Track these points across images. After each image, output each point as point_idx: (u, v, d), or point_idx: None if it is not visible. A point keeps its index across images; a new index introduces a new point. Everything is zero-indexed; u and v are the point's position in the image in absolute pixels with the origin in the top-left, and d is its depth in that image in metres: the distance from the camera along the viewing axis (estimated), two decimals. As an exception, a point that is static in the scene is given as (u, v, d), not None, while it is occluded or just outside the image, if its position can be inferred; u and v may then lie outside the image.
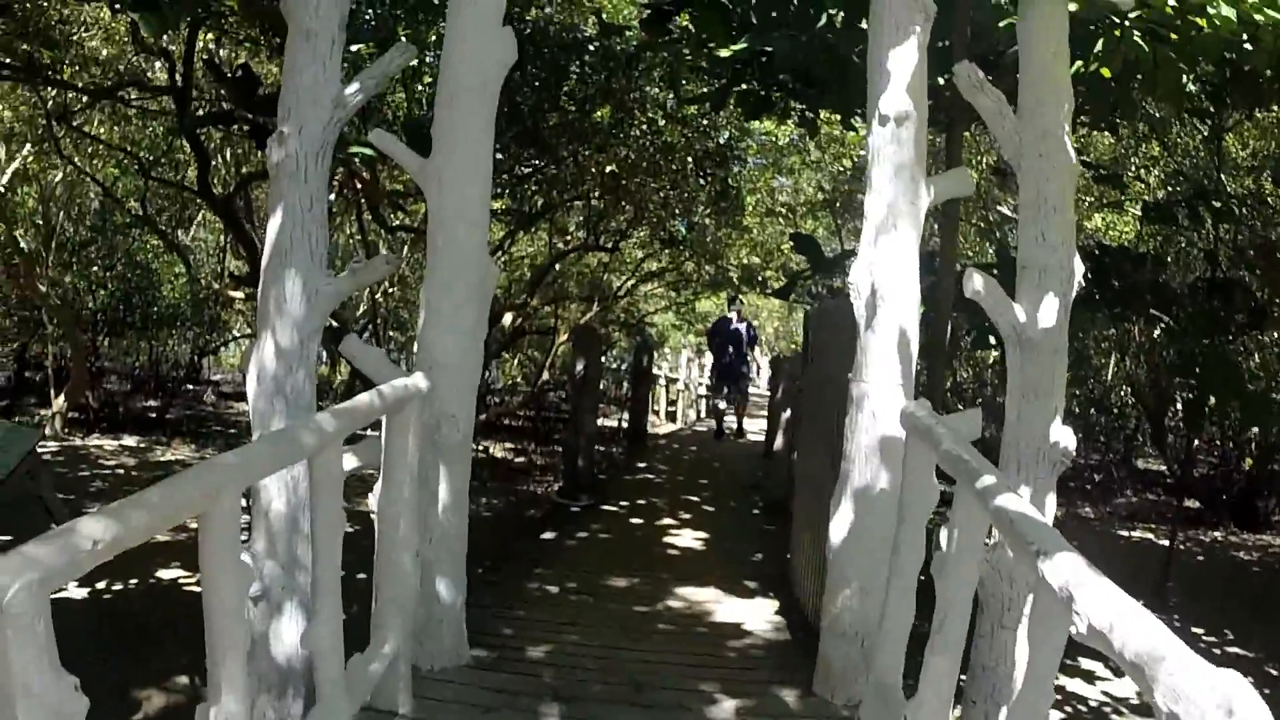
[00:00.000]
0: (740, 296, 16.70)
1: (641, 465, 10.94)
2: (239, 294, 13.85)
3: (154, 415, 16.26)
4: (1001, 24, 5.44)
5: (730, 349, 14.38)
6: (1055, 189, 3.83)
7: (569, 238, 16.29)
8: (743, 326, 14.76)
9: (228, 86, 7.46)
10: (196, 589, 2.33)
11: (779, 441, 8.69)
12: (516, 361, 25.42)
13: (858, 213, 15.14)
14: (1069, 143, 3.89)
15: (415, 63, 6.46)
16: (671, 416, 21.03)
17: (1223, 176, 10.86)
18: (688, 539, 7.34)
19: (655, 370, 28.93)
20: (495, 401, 23.53)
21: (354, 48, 6.27)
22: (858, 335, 3.85)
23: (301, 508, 3.58)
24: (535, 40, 8.90)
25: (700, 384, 21.23)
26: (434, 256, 3.90)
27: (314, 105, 3.94)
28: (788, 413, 8.38)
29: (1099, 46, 4.61)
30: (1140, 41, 4.54)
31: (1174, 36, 4.60)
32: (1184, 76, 5.04)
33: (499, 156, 10.08)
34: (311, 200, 3.94)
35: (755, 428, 15.69)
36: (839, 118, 9.92)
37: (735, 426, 15.56)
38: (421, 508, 3.79)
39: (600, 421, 24.02)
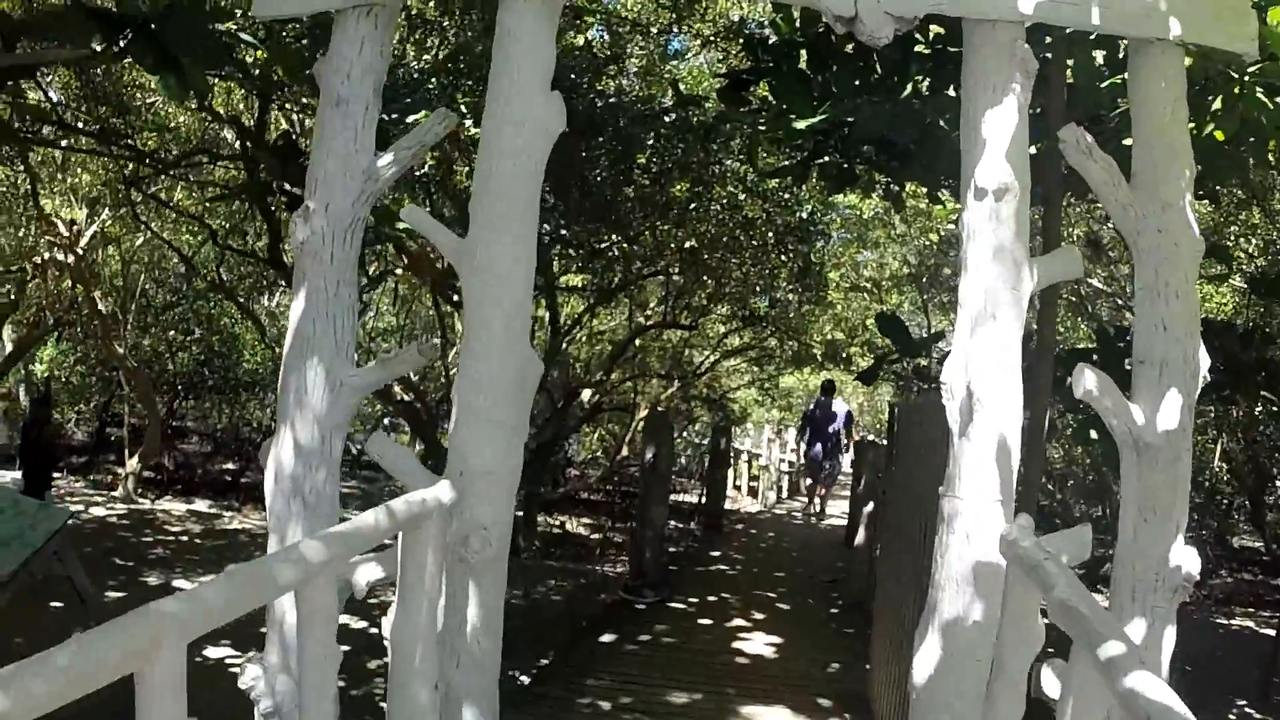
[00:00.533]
0: (835, 383, 16.69)
1: (715, 554, 10.39)
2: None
3: (229, 479, 16.18)
4: (1103, 84, 4.93)
5: (827, 429, 14.37)
6: (1177, 270, 3.31)
7: (649, 313, 15.93)
8: (840, 409, 14.84)
9: (266, 156, 7.21)
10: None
11: (860, 536, 8.10)
12: (597, 436, 25.10)
13: (944, 287, 14.58)
14: (1192, 217, 3.38)
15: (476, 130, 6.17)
16: (754, 493, 20.41)
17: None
18: (758, 644, 6.75)
19: (738, 446, 28.59)
20: (574, 475, 23.18)
21: (411, 118, 5.95)
22: (949, 441, 3.33)
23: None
24: (609, 112, 8.59)
25: (782, 461, 20.57)
26: (468, 348, 3.48)
27: (343, 178, 3.61)
28: (870, 506, 7.82)
29: (1217, 105, 4.08)
30: (1263, 98, 4.00)
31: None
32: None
33: (568, 230, 9.76)
34: (338, 283, 3.59)
35: (837, 510, 15.48)
36: (925, 190, 9.48)
37: (819, 508, 15.41)
38: (448, 632, 3.34)
39: (679, 497, 23.66)
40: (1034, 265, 3.30)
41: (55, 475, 13.00)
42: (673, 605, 7.66)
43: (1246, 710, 7.94)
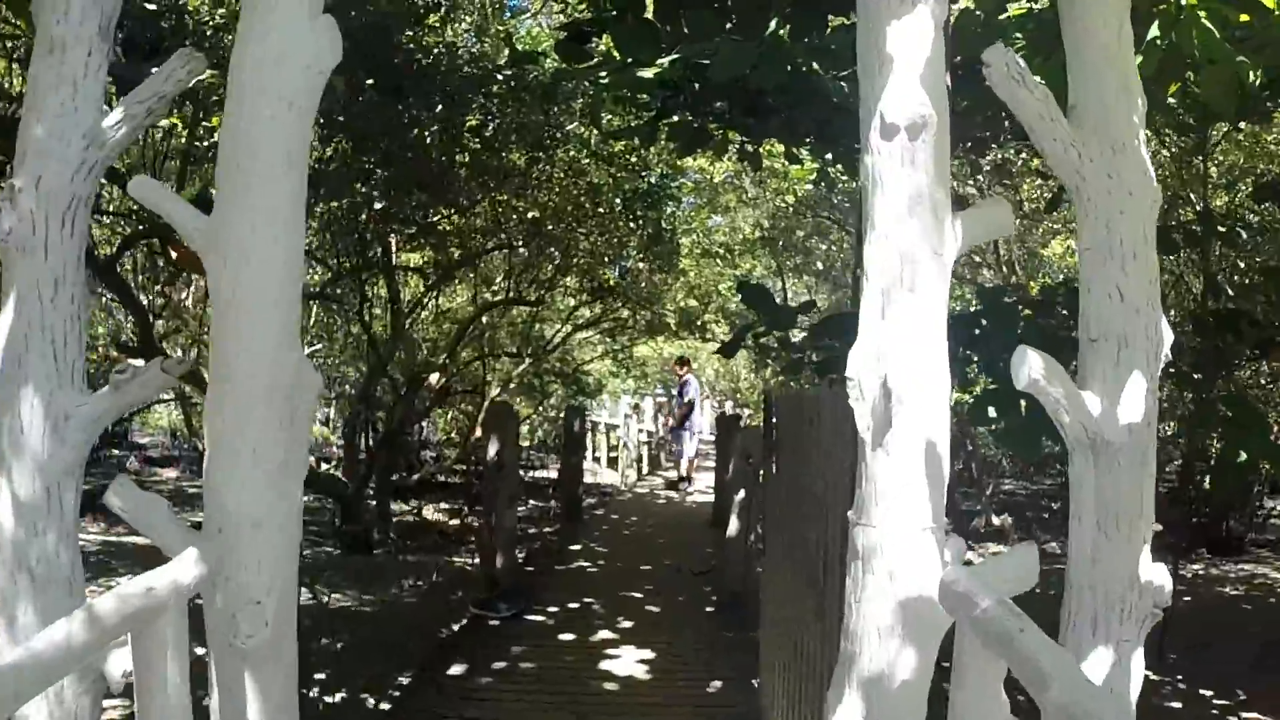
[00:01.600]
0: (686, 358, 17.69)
1: (576, 547, 9.64)
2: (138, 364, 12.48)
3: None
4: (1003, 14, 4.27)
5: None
6: (1134, 225, 2.64)
7: (495, 289, 15.00)
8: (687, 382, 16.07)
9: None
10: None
11: (733, 525, 7.39)
12: (450, 417, 24.12)
13: (797, 250, 14.02)
14: (1148, 160, 2.71)
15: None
16: (613, 464, 20.25)
17: (1208, 197, 9.90)
18: (629, 662, 5.97)
19: (594, 418, 27.90)
20: (431, 458, 22.18)
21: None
22: (859, 452, 2.60)
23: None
24: (434, 69, 7.64)
25: (641, 431, 20.02)
26: (216, 358, 2.57)
27: (59, 144, 2.67)
28: (741, 494, 7.14)
29: (1153, 31, 3.43)
30: (1209, 25, 3.36)
31: (1245, 18, 3.45)
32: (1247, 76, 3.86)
33: (395, 203, 8.79)
34: (56, 284, 2.66)
35: (701, 482, 15.85)
36: (783, 149, 8.86)
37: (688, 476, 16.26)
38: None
39: (539, 473, 22.83)
40: (959, 221, 2.59)
41: None
42: (531, 618, 6.86)
43: (1145, 673, 7.60)
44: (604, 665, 5.92)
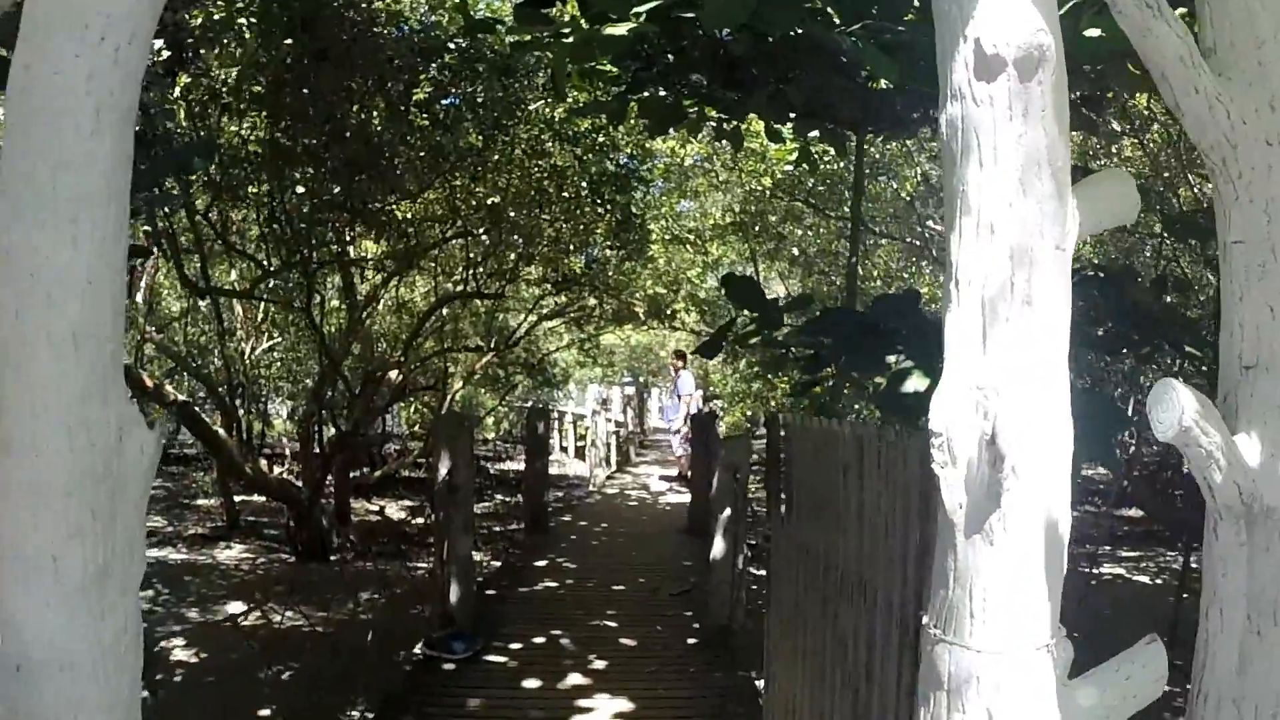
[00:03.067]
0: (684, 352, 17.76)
1: (541, 564, 8.78)
2: None
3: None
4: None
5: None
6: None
7: (457, 279, 14.13)
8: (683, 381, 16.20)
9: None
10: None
11: (718, 547, 6.54)
12: (413, 409, 23.25)
13: (770, 235, 13.19)
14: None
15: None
16: (580, 454, 19.76)
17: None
18: (604, 716, 5.21)
19: (561, 408, 27.03)
20: (395, 451, 21.29)
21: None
22: (937, 534, 1.83)
23: None
24: (374, 35, 6.78)
25: (609, 421, 19.32)
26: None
27: None
28: (727, 513, 6.33)
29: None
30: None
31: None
32: None
33: (331, 189, 7.91)
34: None
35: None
36: (761, 128, 8.09)
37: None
38: None
39: (505, 466, 21.96)
40: (1079, 195, 1.81)
41: None
42: (491, 658, 6.04)
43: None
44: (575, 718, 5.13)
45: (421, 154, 8.17)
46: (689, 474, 15.47)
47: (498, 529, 14.90)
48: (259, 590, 10.27)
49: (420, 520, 13.70)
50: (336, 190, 7.88)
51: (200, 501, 16.07)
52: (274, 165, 7.32)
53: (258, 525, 14.03)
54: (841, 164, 13.01)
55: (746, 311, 5.56)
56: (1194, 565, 11.96)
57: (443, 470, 5.75)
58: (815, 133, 7.91)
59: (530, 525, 10.44)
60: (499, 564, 9.53)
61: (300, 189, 7.70)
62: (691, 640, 6.41)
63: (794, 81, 5.85)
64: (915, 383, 4.41)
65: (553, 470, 22.16)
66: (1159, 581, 10.73)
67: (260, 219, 8.14)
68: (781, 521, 4.10)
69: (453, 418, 5.97)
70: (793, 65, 5.55)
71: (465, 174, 9.20)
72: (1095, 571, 10.42)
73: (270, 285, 13.08)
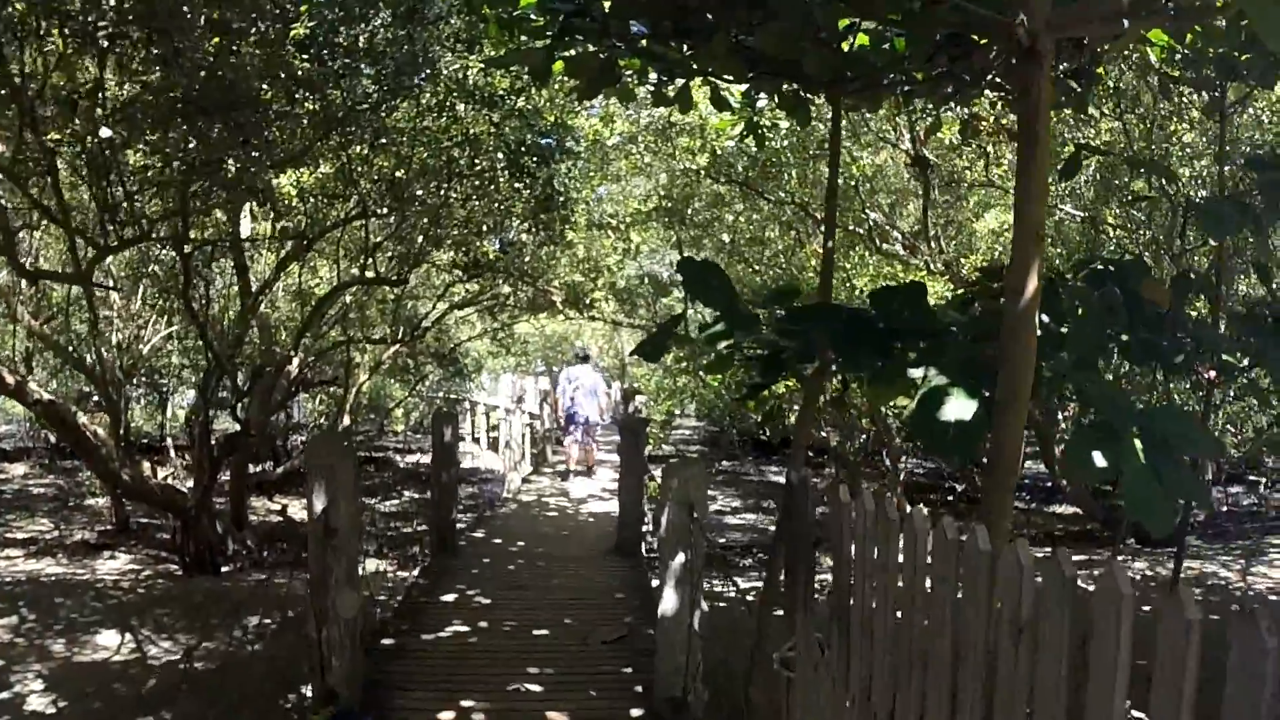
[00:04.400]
0: (590, 355, 17.81)
1: (448, 599, 7.35)
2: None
3: None
4: None
5: (577, 395, 15.59)
6: None
7: (361, 265, 12.73)
8: (596, 378, 16.19)
9: None
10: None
11: (669, 600, 5.06)
12: (318, 400, 21.81)
13: (693, 224, 11.95)
14: None
15: None
16: (494, 445, 19.31)
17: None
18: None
19: (473, 399, 25.66)
20: (301, 444, 19.84)
21: None
22: None
23: None
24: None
25: (524, 414, 18.17)
26: None
27: None
28: (681, 559, 4.98)
29: None
30: None
31: None
32: None
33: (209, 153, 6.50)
34: None
35: (598, 485, 14.79)
36: (704, 95, 6.92)
37: (586, 467, 16.38)
38: None
39: (415, 457, 20.57)
40: None
41: None
42: (383, 733, 4.80)
43: None
44: None
45: (305, 108, 6.81)
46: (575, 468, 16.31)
47: (407, 530, 13.69)
48: (135, 614, 8.99)
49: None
50: (190, 147, 6.45)
51: (90, 502, 14.73)
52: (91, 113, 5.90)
53: (150, 529, 12.77)
54: (784, 142, 11.91)
55: (703, 306, 4.37)
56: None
57: (317, 506, 4.44)
58: (765, 100, 6.78)
59: (437, 546, 9.05)
60: (406, 580, 8.25)
61: (139, 146, 6.27)
62: (636, 713, 5.17)
63: (761, 30, 4.70)
64: (957, 408, 3.28)
65: (465, 464, 20.97)
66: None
67: (92, 186, 6.64)
68: (821, 654, 2.91)
69: (328, 440, 4.60)
70: (756, 10, 4.42)
71: (362, 141, 7.86)
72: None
73: (150, 269, 11.66)
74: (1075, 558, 9.95)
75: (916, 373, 3.76)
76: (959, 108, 8.58)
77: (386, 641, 6.22)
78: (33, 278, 8.16)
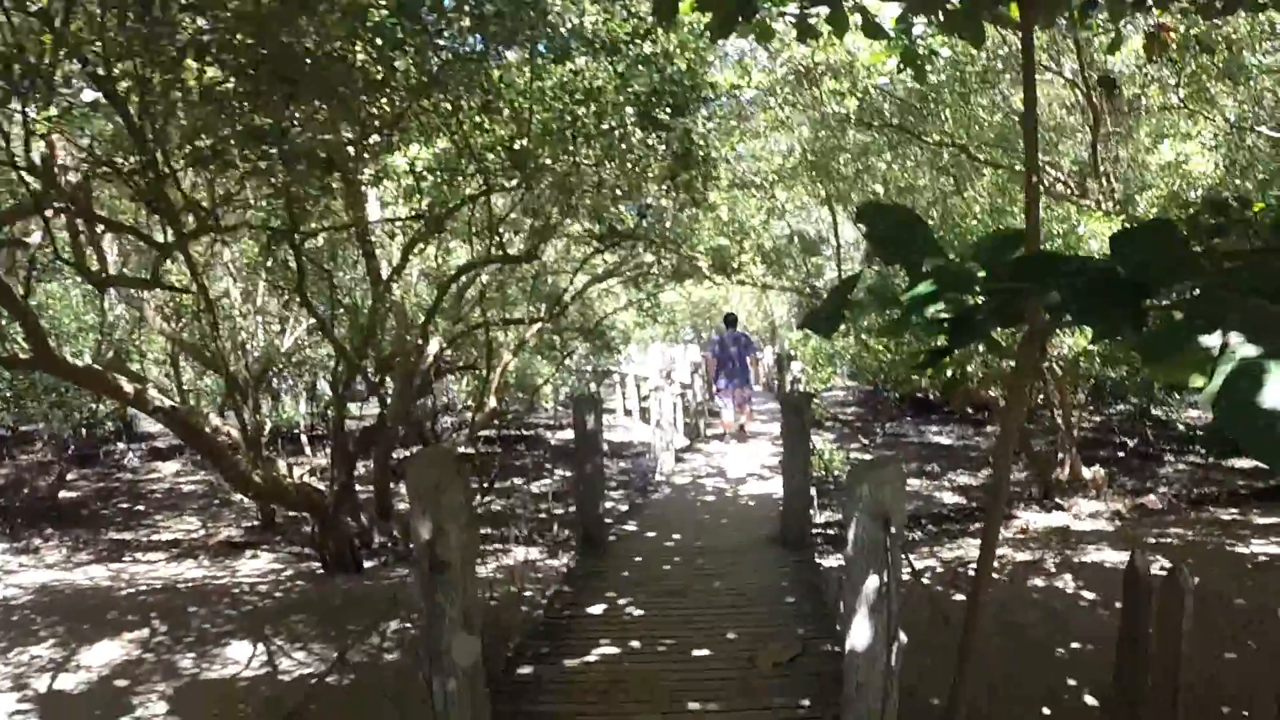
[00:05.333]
0: (736, 318, 17.91)
1: (596, 612, 6.43)
2: None
3: None
4: None
5: (733, 357, 16.02)
6: None
7: (488, 242, 12.02)
8: (745, 341, 16.52)
9: None
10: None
11: (859, 634, 3.82)
12: (465, 382, 21.50)
13: (840, 177, 10.75)
14: None
15: None
16: (645, 416, 19.17)
17: None
18: None
19: (622, 370, 25.01)
20: (453, 424, 19.59)
21: None
22: None
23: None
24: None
25: (675, 384, 17.57)
26: None
27: None
28: (873, 583, 3.91)
29: None
30: None
31: None
32: None
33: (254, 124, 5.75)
34: None
35: (755, 463, 13.96)
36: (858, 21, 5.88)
37: (740, 430, 16.82)
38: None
39: (564, 435, 20.01)
40: None
41: None
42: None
43: None
44: None
45: (399, 70, 6.01)
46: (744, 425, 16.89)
47: (558, 510, 13.10)
48: (270, 622, 8.56)
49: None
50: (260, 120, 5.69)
51: (239, 498, 14.65)
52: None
53: (297, 523, 12.48)
54: (941, 75, 10.71)
55: (896, 262, 3.35)
56: None
57: (422, 536, 3.65)
58: (922, 25, 5.69)
59: (584, 543, 8.29)
60: (556, 569, 7.50)
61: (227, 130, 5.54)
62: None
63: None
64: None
65: (617, 437, 20.37)
66: None
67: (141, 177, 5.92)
68: None
69: (433, 456, 3.77)
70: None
71: (470, 105, 7.05)
72: None
73: (269, 263, 11.21)
74: (1263, 520, 8.63)
75: (1211, 340, 2.71)
76: (1144, 17, 7.35)
77: (523, 671, 5.43)
78: (102, 285, 7.66)
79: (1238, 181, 10.20)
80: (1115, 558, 9.34)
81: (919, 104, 11.81)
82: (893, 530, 3.76)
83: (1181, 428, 17.75)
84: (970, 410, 21.71)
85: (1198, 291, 2.97)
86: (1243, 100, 10.00)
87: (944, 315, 3.96)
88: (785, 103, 15.00)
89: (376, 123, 6.10)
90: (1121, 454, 16.12)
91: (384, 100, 6.03)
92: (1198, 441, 15.10)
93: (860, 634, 3.93)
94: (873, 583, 3.83)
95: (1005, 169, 12.79)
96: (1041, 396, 14.74)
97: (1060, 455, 14.13)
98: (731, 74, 12.40)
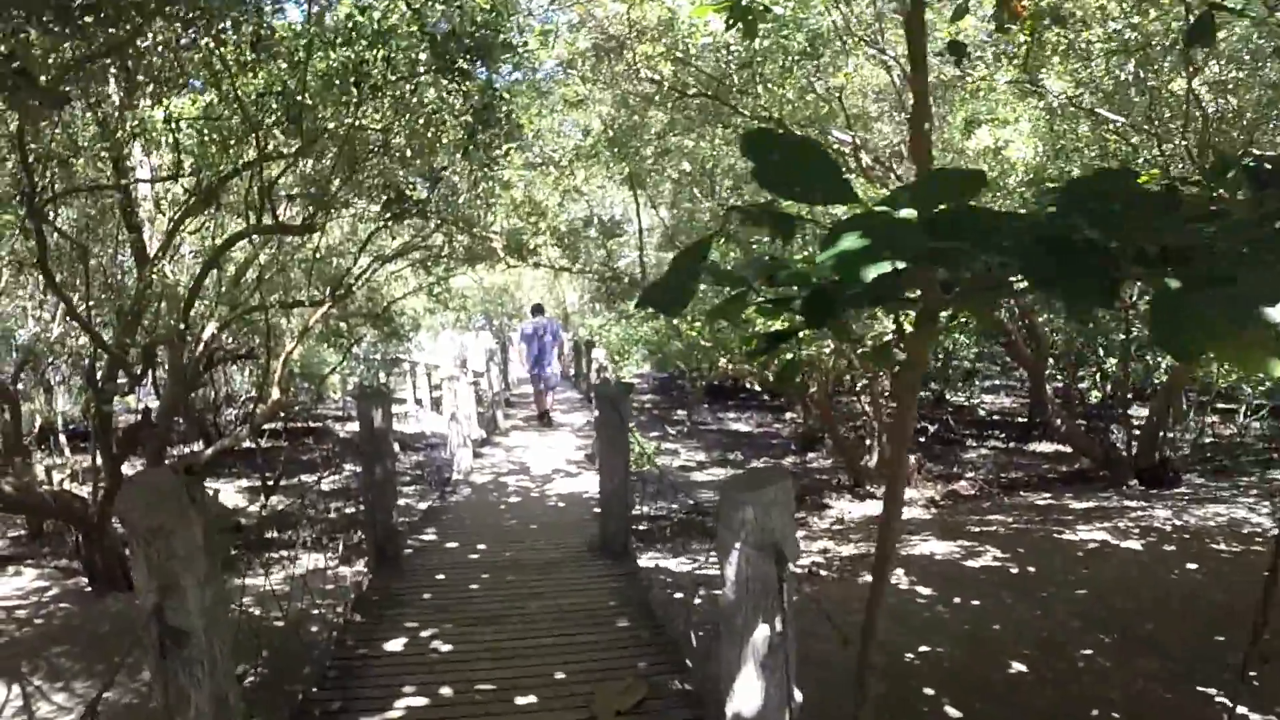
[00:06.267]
0: (543, 307, 18.64)
1: (395, 648, 5.29)
2: None
3: None
4: None
5: (538, 347, 16.71)
6: None
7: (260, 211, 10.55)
8: (549, 326, 17.17)
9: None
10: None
11: (746, 696, 3.17)
12: (247, 373, 19.85)
13: (653, 152, 9.83)
14: None
15: None
16: (437, 405, 19.03)
17: None
18: None
19: (414, 359, 23.79)
20: (233, 418, 18.02)
21: None
22: None
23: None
24: None
25: (471, 374, 16.78)
26: None
27: None
28: (763, 633, 3.08)
29: None
30: None
31: None
32: None
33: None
34: None
35: (563, 458, 13.46)
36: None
37: (547, 415, 17.48)
38: None
39: (354, 427, 18.65)
40: None
41: None
42: None
43: None
44: None
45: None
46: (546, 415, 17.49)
47: (350, 510, 11.95)
48: (28, 656, 7.14)
49: (259, 508, 11.74)
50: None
51: (-5, 505, 12.66)
52: None
53: (65, 534, 10.81)
54: (764, 41, 10.01)
55: (794, 200, 2.41)
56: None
57: (149, 598, 2.54)
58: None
59: (377, 560, 7.15)
60: (350, 579, 6.38)
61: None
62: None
63: None
64: None
65: (408, 428, 19.17)
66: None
67: None
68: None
69: (151, 486, 2.60)
70: None
71: (238, 45, 5.83)
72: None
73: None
74: (1080, 505, 8.29)
75: (1275, 313, 1.92)
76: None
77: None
78: None
79: (1061, 165, 9.92)
80: (943, 549, 8.90)
81: (737, 73, 11.12)
82: (786, 566, 2.88)
83: (981, 413, 17.91)
84: (767, 396, 21.52)
85: (1242, 252, 2.13)
86: (1081, 79, 9.70)
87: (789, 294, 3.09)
88: (584, 79, 14.17)
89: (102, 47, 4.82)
90: (923, 439, 16.07)
91: (117, 19, 4.77)
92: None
93: (748, 697, 3.05)
94: (763, 633, 2.96)
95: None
96: (849, 379, 14.46)
97: (869, 442, 13.85)
98: (532, 40, 11.42)
